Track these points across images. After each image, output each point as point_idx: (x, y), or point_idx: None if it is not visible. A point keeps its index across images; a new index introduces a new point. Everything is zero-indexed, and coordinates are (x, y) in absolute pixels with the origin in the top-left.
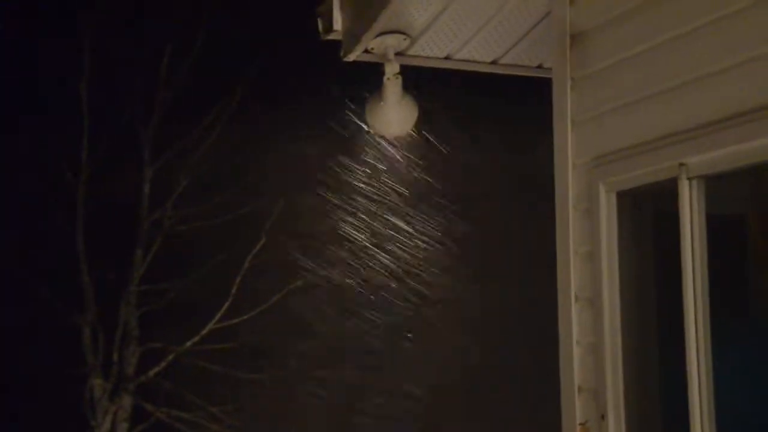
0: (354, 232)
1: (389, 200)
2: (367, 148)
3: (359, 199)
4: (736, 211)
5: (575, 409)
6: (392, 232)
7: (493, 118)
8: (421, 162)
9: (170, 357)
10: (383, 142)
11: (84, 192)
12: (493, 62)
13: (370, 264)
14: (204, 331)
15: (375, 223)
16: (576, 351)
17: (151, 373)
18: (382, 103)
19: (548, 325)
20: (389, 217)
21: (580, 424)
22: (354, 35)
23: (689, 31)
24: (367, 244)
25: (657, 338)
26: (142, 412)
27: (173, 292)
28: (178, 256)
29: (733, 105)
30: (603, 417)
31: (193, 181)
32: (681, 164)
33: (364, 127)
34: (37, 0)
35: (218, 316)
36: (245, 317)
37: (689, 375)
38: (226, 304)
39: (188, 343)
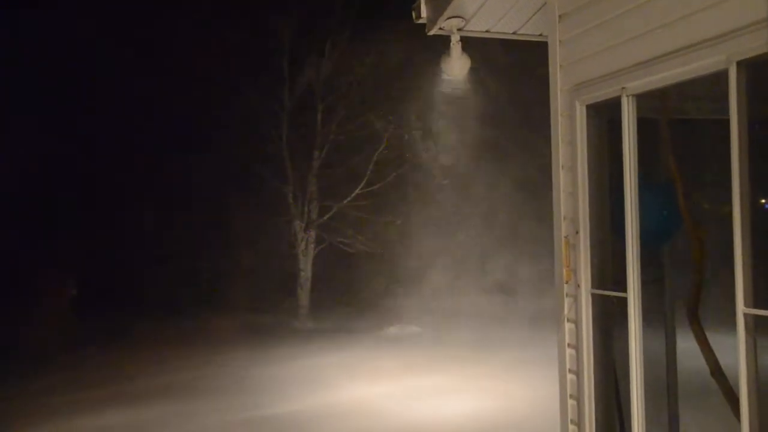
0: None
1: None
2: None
3: (438, 112)
4: (653, 115)
5: (562, 228)
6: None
7: (513, 67)
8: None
9: (335, 209)
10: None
11: (286, 120)
12: (514, 33)
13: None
14: (352, 195)
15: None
16: (562, 196)
17: (325, 217)
18: (449, 57)
19: (548, 183)
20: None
21: (564, 237)
22: (433, 20)
23: (618, 15)
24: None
25: (608, 188)
26: (321, 238)
27: (336, 173)
28: (338, 155)
29: (649, 54)
30: (577, 232)
31: (345, 111)
32: (623, 88)
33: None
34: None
35: (360, 185)
36: (375, 186)
37: (626, 206)
38: (364, 180)
39: (344, 202)
